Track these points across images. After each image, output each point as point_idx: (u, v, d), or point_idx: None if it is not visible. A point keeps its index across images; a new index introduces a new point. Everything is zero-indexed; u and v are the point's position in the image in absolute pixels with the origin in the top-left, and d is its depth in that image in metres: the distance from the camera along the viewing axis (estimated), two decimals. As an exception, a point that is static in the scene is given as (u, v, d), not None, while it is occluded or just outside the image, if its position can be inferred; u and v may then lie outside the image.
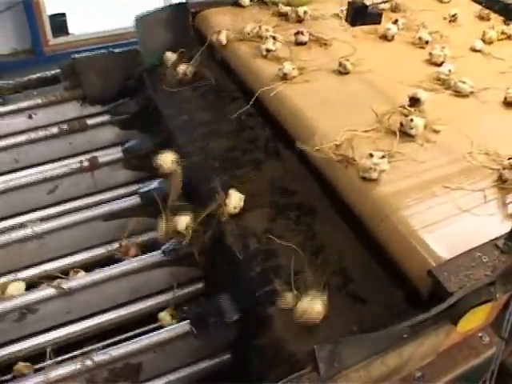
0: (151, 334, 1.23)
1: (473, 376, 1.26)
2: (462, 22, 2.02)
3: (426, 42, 1.81)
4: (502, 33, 1.92)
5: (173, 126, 1.65)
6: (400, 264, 1.14)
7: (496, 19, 2.05)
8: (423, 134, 1.41)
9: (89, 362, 1.16)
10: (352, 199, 1.27)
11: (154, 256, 1.35)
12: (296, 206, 1.36)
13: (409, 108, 1.45)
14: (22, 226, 1.50)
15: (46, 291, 1.30)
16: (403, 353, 1.08)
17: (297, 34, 1.78)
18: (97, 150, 1.73)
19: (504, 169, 1.28)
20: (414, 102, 1.47)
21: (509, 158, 1.29)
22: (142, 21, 1.87)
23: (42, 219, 1.51)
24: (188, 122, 1.65)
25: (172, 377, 1.22)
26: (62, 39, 3.80)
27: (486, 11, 2.06)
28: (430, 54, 1.71)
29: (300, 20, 1.94)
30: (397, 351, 1.06)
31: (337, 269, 1.23)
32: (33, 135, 1.76)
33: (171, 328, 1.24)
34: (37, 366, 1.26)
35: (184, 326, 1.23)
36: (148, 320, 1.35)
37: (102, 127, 1.79)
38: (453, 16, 2.00)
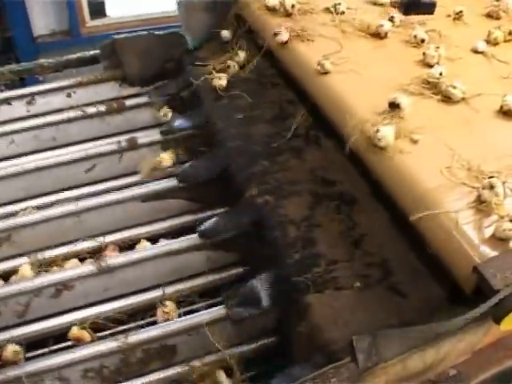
0: (187, 317, 1.22)
1: (505, 378, 1.23)
2: (468, 21, 1.80)
3: (422, 41, 1.61)
4: (510, 33, 1.71)
5: (211, 109, 1.64)
6: (443, 259, 1.11)
7: (506, 18, 1.84)
8: (396, 145, 1.25)
9: (124, 341, 1.15)
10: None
11: (192, 239, 1.34)
12: (336, 194, 1.35)
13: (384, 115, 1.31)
14: (59, 203, 1.51)
15: (83, 268, 1.30)
16: (441, 349, 1.05)
17: (275, 34, 1.63)
18: (135, 131, 1.72)
19: (483, 188, 1.11)
20: (394, 107, 1.32)
21: (489, 177, 1.12)
22: (185, 4, 1.86)
23: (80, 197, 1.51)
24: (227, 106, 1.64)
25: (206, 360, 1.21)
26: (99, 21, 3.82)
27: (496, 9, 1.84)
28: (424, 54, 1.54)
29: (288, 14, 1.77)
30: (435, 348, 1.04)
31: (377, 260, 1.21)
32: (71, 114, 1.76)
33: (207, 312, 1.23)
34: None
35: (220, 310, 1.21)
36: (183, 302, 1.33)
37: (140, 108, 1.79)
38: (458, 13, 1.78)
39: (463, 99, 1.39)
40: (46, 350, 1.26)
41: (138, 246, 1.39)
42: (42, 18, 3.72)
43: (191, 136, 1.60)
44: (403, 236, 1.22)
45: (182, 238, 1.35)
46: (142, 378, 1.19)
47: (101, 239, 1.43)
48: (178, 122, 1.64)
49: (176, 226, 1.47)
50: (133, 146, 1.60)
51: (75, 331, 1.22)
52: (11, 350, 1.21)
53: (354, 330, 1.06)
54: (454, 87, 1.38)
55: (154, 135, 1.64)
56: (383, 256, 1.21)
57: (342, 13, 1.73)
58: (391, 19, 1.68)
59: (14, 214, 1.49)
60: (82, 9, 3.71)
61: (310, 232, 1.26)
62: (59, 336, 1.28)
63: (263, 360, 1.27)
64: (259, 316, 1.22)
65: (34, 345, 1.28)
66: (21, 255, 1.41)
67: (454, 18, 1.78)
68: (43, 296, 1.28)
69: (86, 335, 1.23)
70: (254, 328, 1.25)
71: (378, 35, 1.66)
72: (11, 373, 1.15)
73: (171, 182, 1.48)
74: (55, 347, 1.27)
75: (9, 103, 1.83)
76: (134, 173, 1.59)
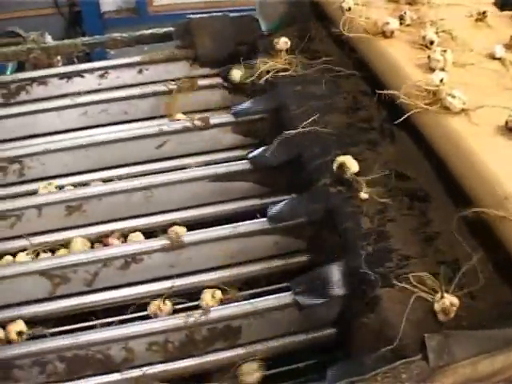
0: (254, 300, 1.22)
1: None
2: (491, 23, 1.60)
3: (431, 43, 1.46)
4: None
5: (285, 95, 1.63)
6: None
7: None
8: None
9: (191, 319, 1.16)
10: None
11: (261, 223, 1.34)
12: (409, 190, 1.32)
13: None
14: (129, 177, 1.52)
15: (152, 243, 1.31)
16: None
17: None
18: (205, 111, 1.73)
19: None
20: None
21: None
22: (262, -13, 1.86)
23: (149, 173, 1.52)
24: (301, 93, 1.62)
25: (270, 344, 1.21)
26: (165, 1, 3.83)
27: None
28: (429, 57, 1.40)
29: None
30: (506, 353, 1.02)
31: (449, 259, 1.18)
32: (143, 90, 1.77)
33: (274, 297, 1.22)
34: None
35: (287, 296, 1.20)
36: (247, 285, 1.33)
37: (211, 89, 1.79)
38: (481, 14, 1.58)
39: (463, 110, 1.25)
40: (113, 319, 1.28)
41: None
42: (110, -6, 3.77)
43: (263, 120, 1.59)
44: (475, 235, 1.18)
45: (252, 221, 1.35)
46: (205, 357, 1.19)
47: (167, 216, 1.43)
48: (251, 105, 1.62)
49: (243, 208, 1.46)
50: (205, 125, 1.60)
51: (156, 303, 1.25)
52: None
53: (423, 328, 1.04)
54: (453, 96, 1.24)
55: (226, 116, 1.63)
56: (455, 255, 1.18)
57: (349, 9, 1.63)
58: (401, 17, 1.56)
59: (84, 185, 1.51)
60: (150, -14, 3.74)
61: (383, 226, 1.25)
62: (124, 307, 1.30)
63: (321, 350, 1.27)
64: (324, 305, 1.20)
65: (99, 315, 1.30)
66: (90, 225, 1.43)
67: (477, 19, 1.61)
68: (112, 267, 1.29)
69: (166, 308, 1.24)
70: (317, 317, 1.24)
71: (383, 34, 1.55)
72: (78, 339, 1.17)
73: (242, 165, 1.47)
74: (120, 318, 1.28)
75: (81, 76, 1.85)
76: (205, 152, 1.60)
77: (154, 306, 1.25)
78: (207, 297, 1.27)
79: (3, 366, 1.16)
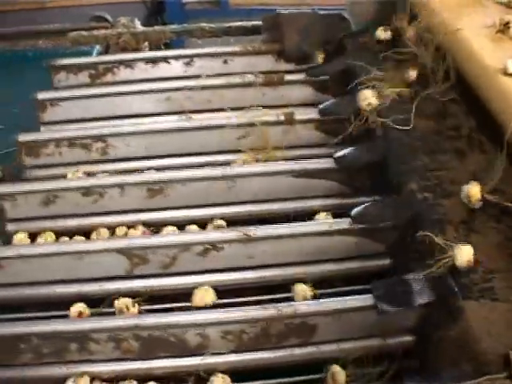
0: (333, 299, 1.20)
1: None
2: None
3: None
4: None
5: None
6: None
7: None
8: None
9: (269, 312, 1.15)
10: None
11: (343, 222, 1.32)
12: (499, 203, 1.27)
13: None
14: (211, 165, 1.52)
15: (233, 232, 1.31)
16: None
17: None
18: (291, 106, 1.71)
19: None
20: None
21: None
22: (353, -14, 1.84)
23: (231, 163, 1.52)
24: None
25: (344, 346, 1.19)
26: (248, -6, 3.83)
27: None
28: None
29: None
30: None
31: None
32: (228, 80, 1.77)
33: (354, 298, 1.20)
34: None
35: (367, 299, 1.18)
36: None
37: (297, 85, 1.77)
38: None
39: None
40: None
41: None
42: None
43: (348, 120, 1.56)
44: None
45: (334, 220, 1.33)
46: (278, 351, 1.18)
47: (247, 207, 1.43)
48: (338, 104, 1.60)
49: (323, 206, 1.44)
50: (290, 120, 1.59)
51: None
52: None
53: (508, 345, 1.01)
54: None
55: (312, 113, 1.61)
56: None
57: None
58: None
59: (167, 169, 1.52)
60: (232, -19, 3.75)
61: (468, 237, 1.21)
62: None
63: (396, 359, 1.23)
64: (404, 312, 1.18)
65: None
66: (171, 209, 1.44)
67: None
68: (191, 252, 1.29)
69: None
70: (394, 323, 1.21)
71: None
72: (154, 320, 1.17)
73: (326, 163, 1.46)
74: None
75: (167, 62, 1.86)
76: (287, 147, 1.58)
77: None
78: (299, 290, 1.27)
79: (80, 338, 1.17)
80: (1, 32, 2.66)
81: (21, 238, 1.42)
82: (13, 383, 1.20)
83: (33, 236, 1.46)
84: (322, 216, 1.38)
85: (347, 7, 1.98)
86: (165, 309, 1.26)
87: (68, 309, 1.28)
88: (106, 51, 2.17)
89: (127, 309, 1.23)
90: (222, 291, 1.29)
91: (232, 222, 1.42)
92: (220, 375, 1.12)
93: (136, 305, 1.25)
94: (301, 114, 1.60)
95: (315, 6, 2.46)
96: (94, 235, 1.41)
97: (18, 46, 2.64)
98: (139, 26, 2.09)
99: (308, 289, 1.27)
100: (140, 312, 1.24)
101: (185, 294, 1.29)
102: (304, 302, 1.20)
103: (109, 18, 2.71)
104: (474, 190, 1.26)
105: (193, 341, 1.17)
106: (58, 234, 1.46)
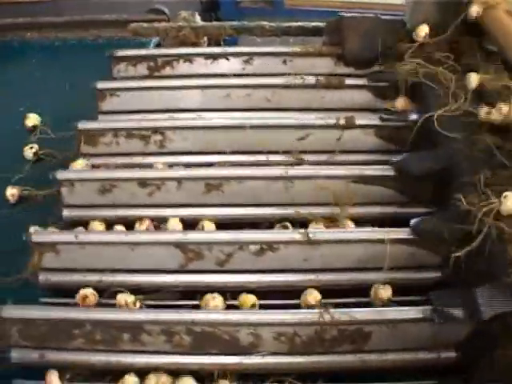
0: (389, 308, 1.19)
1: None
2: None
3: None
4: None
5: (434, 104, 1.57)
6: None
7: None
8: None
9: (325, 316, 1.14)
10: None
11: (401, 232, 1.29)
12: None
13: None
14: (268, 164, 1.52)
15: (290, 234, 1.30)
16: None
17: None
18: (350, 110, 1.69)
19: None
20: None
21: None
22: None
23: (289, 164, 1.51)
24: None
25: (395, 357, 1.17)
26: (302, -5, 3.82)
27: None
28: None
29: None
30: None
31: None
32: (288, 80, 1.75)
33: (409, 309, 1.18)
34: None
35: (424, 310, 1.16)
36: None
37: (357, 89, 1.75)
38: None
39: None
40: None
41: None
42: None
43: (410, 127, 1.54)
44: None
45: (392, 229, 1.31)
46: (330, 356, 1.17)
47: (304, 210, 1.42)
48: (400, 113, 1.58)
49: (381, 214, 1.43)
50: (350, 124, 1.57)
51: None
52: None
53: None
54: None
55: (372, 119, 1.59)
56: None
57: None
58: None
59: (224, 165, 1.52)
60: (288, -18, 3.74)
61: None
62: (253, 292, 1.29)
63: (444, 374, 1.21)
64: (460, 327, 1.15)
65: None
66: (225, 206, 1.43)
67: None
68: (247, 251, 1.29)
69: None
70: (449, 337, 1.19)
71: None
72: (209, 316, 1.17)
73: (385, 170, 1.44)
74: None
75: (226, 58, 1.86)
76: (346, 151, 1.57)
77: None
78: (381, 293, 1.26)
79: (133, 329, 1.18)
80: (56, 20, 2.69)
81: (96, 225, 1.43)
82: (64, 366, 1.20)
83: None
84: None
85: (407, 13, 1.95)
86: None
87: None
88: (161, 44, 2.18)
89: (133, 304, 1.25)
90: (275, 292, 1.28)
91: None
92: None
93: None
94: (361, 119, 1.57)
95: (372, 10, 2.45)
96: (138, 226, 1.40)
97: (74, 34, 2.66)
98: (199, 21, 2.09)
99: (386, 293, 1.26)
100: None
101: (236, 292, 1.28)
102: (361, 309, 1.17)
103: (166, 11, 2.72)
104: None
105: (245, 340, 1.16)
106: (112, 223, 1.46)
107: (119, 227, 1.43)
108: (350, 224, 1.39)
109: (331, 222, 1.40)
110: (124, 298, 1.26)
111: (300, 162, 1.53)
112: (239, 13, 3.66)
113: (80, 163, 1.54)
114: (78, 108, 1.91)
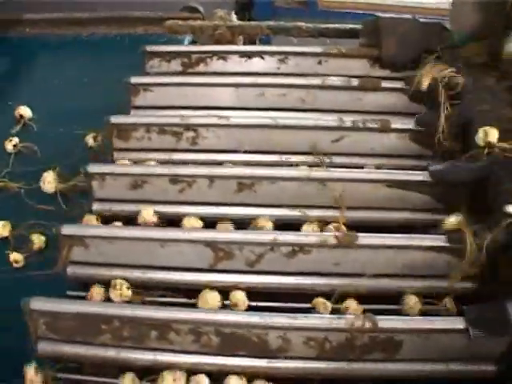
0: (424, 318, 1.16)
1: None
2: None
3: None
4: None
5: (471, 112, 1.53)
6: None
7: None
8: None
9: (356, 322, 1.11)
10: None
11: (436, 240, 1.27)
12: None
13: None
14: (301, 165, 1.50)
15: (323, 236, 1.28)
16: None
17: None
18: (385, 113, 1.67)
19: None
20: None
21: None
22: (459, -4, 1.78)
23: (326, 165, 1.49)
24: (489, 112, 1.52)
25: (426, 367, 1.15)
26: (337, -3, 3.78)
27: None
28: None
29: None
30: None
31: None
32: (324, 81, 1.73)
33: (443, 318, 1.16)
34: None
35: (458, 321, 1.13)
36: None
37: (393, 92, 1.72)
38: None
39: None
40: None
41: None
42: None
43: (448, 134, 1.50)
44: None
45: (429, 236, 1.28)
46: (359, 363, 1.15)
47: (337, 213, 1.40)
48: (434, 116, 1.54)
49: (415, 220, 1.40)
50: (385, 128, 1.54)
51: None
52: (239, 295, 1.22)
53: None
54: None
55: (408, 123, 1.56)
56: None
57: None
58: None
59: (257, 165, 1.50)
60: (323, -17, 3.71)
61: None
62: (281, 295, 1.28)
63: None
64: (495, 340, 1.13)
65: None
66: (258, 206, 1.42)
67: None
68: (278, 252, 1.27)
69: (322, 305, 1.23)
70: (483, 350, 1.16)
71: None
72: (236, 318, 1.15)
73: (421, 175, 1.41)
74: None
75: (261, 57, 1.84)
76: (380, 155, 1.54)
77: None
78: (411, 301, 1.25)
79: (161, 327, 1.16)
80: (94, 16, 2.70)
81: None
82: (90, 360, 1.21)
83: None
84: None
85: (449, 17, 1.92)
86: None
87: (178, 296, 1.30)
88: (194, 41, 2.17)
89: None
90: (304, 295, 1.26)
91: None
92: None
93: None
94: (397, 123, 1.54)
95: (414, 14, 2.42)
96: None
97: (110, 30, 2.67)
98: (235, 20, 2.07)
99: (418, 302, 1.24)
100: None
101: (266, 294, 1.26)
102: (392, 317, 1.14)
103: (201, 9, 2.71)
104: None
105: (273, 343, 1.14)
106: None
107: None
108: (344, 229, 1.35)
109: (325, 224, 1.37)
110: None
111: (333, 165, 1.49)
112: (273, 13, 3.65)
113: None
114: (109, 103, 1.91)
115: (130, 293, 1.29)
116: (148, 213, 1.40)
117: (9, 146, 1.83)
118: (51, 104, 2.06)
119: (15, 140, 1.84)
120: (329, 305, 1.23)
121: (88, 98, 2.03)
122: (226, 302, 1.25)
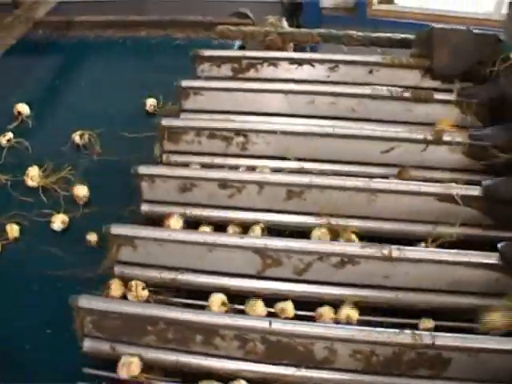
0: (474, 337, 1.14)
1: None
2: None
3: None
4: None
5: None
6: None
7: None
8: None
9: (404, 337, 1.10)
10: None
11: (489, 257, 1.24)
12: None
13: None
14: (349, 175, 1.49)
15: (373, 248, 1.26)
16: None
17: None
18: (433, 125, 1.64)
19: None
20: None
21: None
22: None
23: (373, 176, 1.47)
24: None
25: (474, 388, 1.12)
26: (385, 6, 3.77)
27: None
28: None
29: None
30: None
31: None
32: (374, 91, 1.71)
33: (494, 338, 1.13)
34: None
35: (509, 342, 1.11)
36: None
37: (445, 104, 1.69)
38: None
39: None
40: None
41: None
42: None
43: (498, 148, 1.48)
44: None
45: (481, 252, 1.25)
46: (405, 379, 1.13)
47: (386, 225, 1.38)
48: (490, 132, 1.52)
49: (466, 236, 1.37)
50: (437, 140, 1.52)
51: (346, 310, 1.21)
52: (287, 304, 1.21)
53: None
54: None
55: (461, 136, 1.54)
56: None
57: None
58: None
59: (305, 173, 1.49)
60: (372, -9, 3.70)
61: None
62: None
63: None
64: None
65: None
66: (307, 214, 1.41)
67: None
68: (326, 262, 1.26)
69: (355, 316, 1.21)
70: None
71: None
72: (287, 327, 1.15)
73: (473, 190, 1.38)
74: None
75: (311, 64, 1.83)
76: (430, 167, 1.52)
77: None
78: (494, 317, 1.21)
79: (207, 331, 1.17)
80: (146, 19, 2.74)
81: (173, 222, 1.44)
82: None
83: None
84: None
85: (504, 28, 1.88)
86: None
87: (189, 297, 1.30)
88: (244, 47, 2.17)
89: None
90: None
91: (366, 237, 1.37)
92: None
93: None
94: (450, 136, 1.52)
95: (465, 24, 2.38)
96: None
97: (158, 33, 2.69)
98: (286, 27, 2.07)
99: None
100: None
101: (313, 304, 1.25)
102: (442, 334, 1.12)
103: (251, 15, 2.72)
104: None
105: (319, 354, 1.14)
106: (189, 222, 1.45)
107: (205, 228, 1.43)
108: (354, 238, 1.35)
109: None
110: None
111: (384, 175, 1.48)
112: (320, 19, 3.65)
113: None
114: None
115: (146, 293, 1.30)
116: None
117: (3, 141, 1.91)
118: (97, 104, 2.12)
119: (9, 135, 1.92)
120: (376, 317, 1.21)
121: (133, 99, 2.08)
122: (272, 310, 1.24)
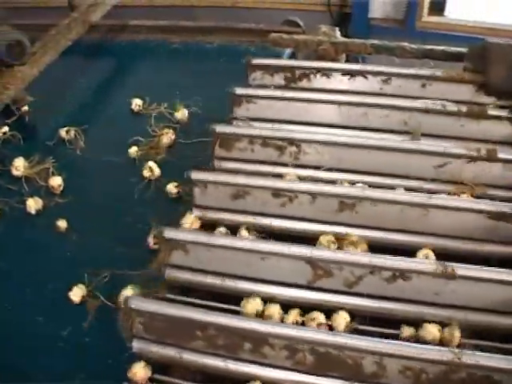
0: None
1: None
2: None
3: None
4: None
5: None
6: None
7: None
8: None
9: (454, 357, 1.09)
10: None
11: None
12: None
13: None
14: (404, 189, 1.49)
15: (426, 265, 1.25)
16: None
17: None
18: (488, 142, 1.63)
19: None
20: None
21: None
22: None
23: (427, 191, 1.47)
24: None
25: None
26: (435, 18, 3.72)
27: None
28: None
29: None
30: None
31: None
32: (427, 105, 1.71)
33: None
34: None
35: None
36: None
37: (500, 121, 1.67)
38: None
39: None
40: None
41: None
42: (381, 2, 3.76)
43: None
44: None
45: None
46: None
47: (438, 241, 1.38)
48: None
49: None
50: (491, 157, 1.50)
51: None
52: (342, 316, 1.22)
53: None
54: None
55: (512, 153, 1.52)
56: None
57: None
58: None
59: (358, 185, 1.50)
60: (422, 3, 3.66)
61: None
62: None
63: None
64: None
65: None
66: (356, 226, 1.41)
67: None
68: (378, 276, 1.26)
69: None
70: None
71: None
72: (337, 339, 1.15)
73: (530, 209, 1.37)
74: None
75: (364, 76, 1.83)
76: (486, 185, 1.51)
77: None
78: None
79: (256, 340, 1.18)
80: (199, 25, 2.77)
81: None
82: (180, 365, 1.24)
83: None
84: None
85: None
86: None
87: (239, 304, 1.31)
88: (295, 56, 2.18)
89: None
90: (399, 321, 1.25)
91: (414, 251, 1.36)
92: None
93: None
94: (504, 153, 1.50)
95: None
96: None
97: (205, 40, 2.73)
98: (339, 37, 2.08)
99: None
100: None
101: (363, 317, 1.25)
102: (494, 355, 1.11)
103: (301, 23, 2.73)
104: None
105: (368, 368, 1.14)
106: (237, 229, 1.47)
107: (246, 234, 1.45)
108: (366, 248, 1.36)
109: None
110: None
111: (437, 191, 1.47)
112: (369, 30, 3.64)
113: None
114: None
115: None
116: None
117: (-1, 134, 2.05)
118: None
119: (5, 128, 2.08)
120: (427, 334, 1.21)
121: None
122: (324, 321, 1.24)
